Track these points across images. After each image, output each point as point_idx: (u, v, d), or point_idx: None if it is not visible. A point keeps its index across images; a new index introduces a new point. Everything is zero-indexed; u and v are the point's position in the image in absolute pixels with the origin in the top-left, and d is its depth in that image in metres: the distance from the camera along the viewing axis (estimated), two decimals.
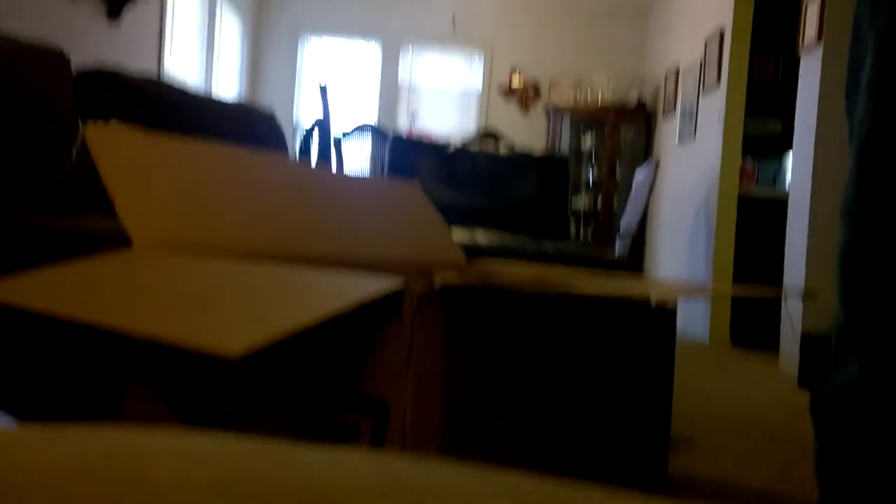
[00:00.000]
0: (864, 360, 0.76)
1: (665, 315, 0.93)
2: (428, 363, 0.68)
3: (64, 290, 0.70)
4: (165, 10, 4.87)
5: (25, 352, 0.96)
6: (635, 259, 6.13)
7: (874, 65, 0.74)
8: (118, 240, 0.90)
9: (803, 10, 3.43)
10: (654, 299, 0.71)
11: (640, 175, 4.83)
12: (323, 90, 3.29)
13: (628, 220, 4.83)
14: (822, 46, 3.24)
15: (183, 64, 5.32)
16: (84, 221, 1.47)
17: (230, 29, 6.30)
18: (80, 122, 1.87)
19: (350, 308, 0.63)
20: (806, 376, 2.95)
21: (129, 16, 4.30)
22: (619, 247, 4.92)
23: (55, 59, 2.02)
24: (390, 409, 0.66)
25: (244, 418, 0.77)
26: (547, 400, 0.83)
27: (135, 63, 4.42)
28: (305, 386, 0.75)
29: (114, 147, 0.97)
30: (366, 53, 6.98)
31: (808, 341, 2.97)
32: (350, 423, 0.70)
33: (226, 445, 0.18)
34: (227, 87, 6.35)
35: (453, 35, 6.80)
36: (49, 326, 0.97)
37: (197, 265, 0.80)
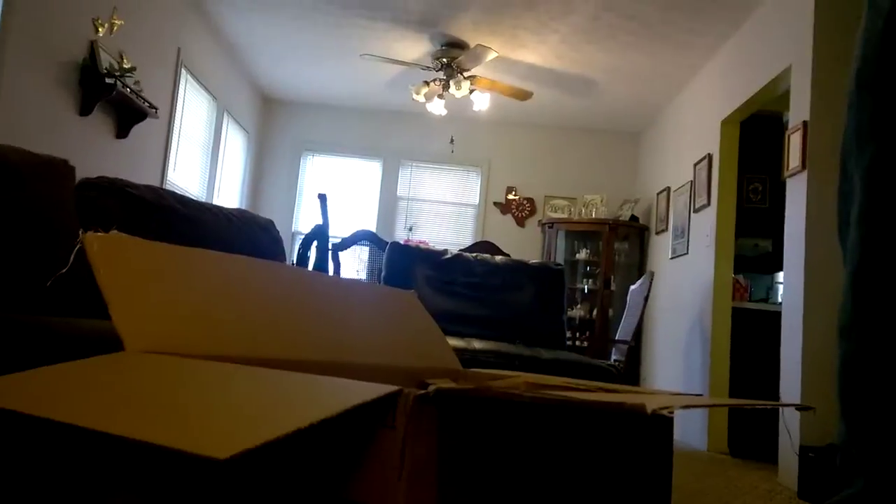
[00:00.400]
0: (868, 476, 0.76)
1: (662, 423, 0.91)
2: (420, 471, 0.66)
3: (51, 393, 0.69)
4: (173, 127, 5.06)
5: (5, 456, 0.93)
6: (631, 370, 6.06)
7: (861, 200, 0.80)
8: (110, 343, 0.90)
9: (787, 140, 3.60)
10: (650, 408, 0.70)
11: (636, 287, 4.87)
12: (322, 198, 3.37)
13: (624, 330, 4.82)
14: (806, 173, 3.37)
15: (186, 176, 5.47)
16: (76, 324, 1.47)
17: (235, 144, 6.52)
18: (80, 230, 1.90)
19: (340, 413, 0.62)
20: (806, 489, 2.90)
21: (137, 133, 4.46)
22: (615, 356, 4.88)
23: (60, 169, 2.08)
24: None
25: None
26: None
27: (139, 177, 4.55)
28: (294, 493, 0.72)
29: (111, 254, 0.98)
30: (366, 170, 7.20)
31: (807, 454, 2.92)
32: None
33: None
34: (229, 197, 6.49)
35: (451, 155, 7.05)
36: (29, 430, 0.94)
37: (186, 369, 0.79)
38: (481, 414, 0.76)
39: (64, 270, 1.11)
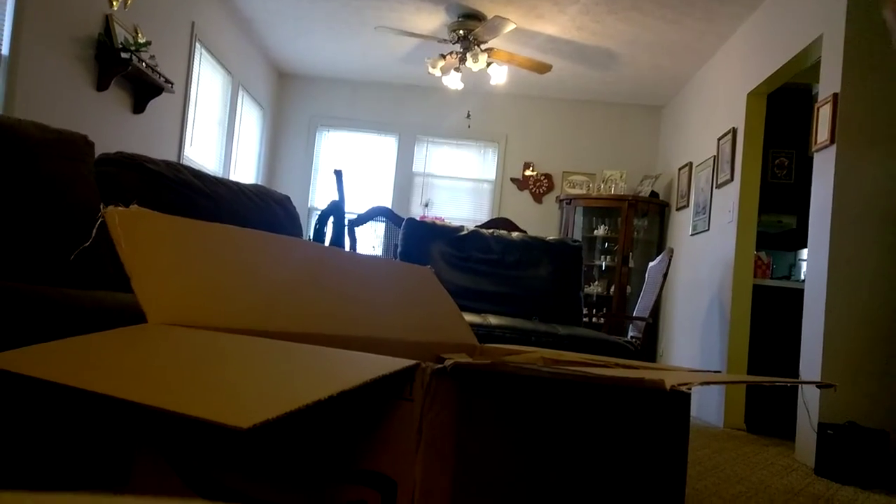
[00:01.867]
0: None
1: (679, 399, 0.91)
2: (437, 442, 0.67)
3: (79, 362, 0.70)
4: (188, 103, 5.07)
5: (37, 421, 0.95)
6: (649, 347, 6.05)
7: None
8: (132, 315, 0.91)
9: (816, 113, 3.53)
10: (669, 384, 0.70)
11: (655, 263, 4.85)
12: (338, 174, 3.37)
13: (642, 307, 4.81)
14: (834, 147, 3.31)
15: (202, 152, 5.49)
16: (99, 297, 1.48)
17: (250, 120, 6.52)
18: (101, 204, 1.91)
19: (359, 385, 0.62)
20: (823, 465, 2.89)
21: (153, 108, 4.48)
22: (633, 332, 4.87)
23: (79, 144, 2.10)
24: (398, 486, 0.65)
25: (252, 490, 0.75)
26: (558, 481, 0.81)
27: (156, 152, 4.57)
28: (313, 460, 0.73)
29: (132, 228, 0.99)
30: (382, 145, 7.18)
31: (826, 431, 2.92)
32: (357, 498, 0.68)
33: None
34: (245, 173, 6.51)
35: (468, 130, 7.00)
36: (60, 396, 0.96)
37: (208, 341, 0.80)
38: (498, 388, 0.77)
39: (87, 244, 1.12)
